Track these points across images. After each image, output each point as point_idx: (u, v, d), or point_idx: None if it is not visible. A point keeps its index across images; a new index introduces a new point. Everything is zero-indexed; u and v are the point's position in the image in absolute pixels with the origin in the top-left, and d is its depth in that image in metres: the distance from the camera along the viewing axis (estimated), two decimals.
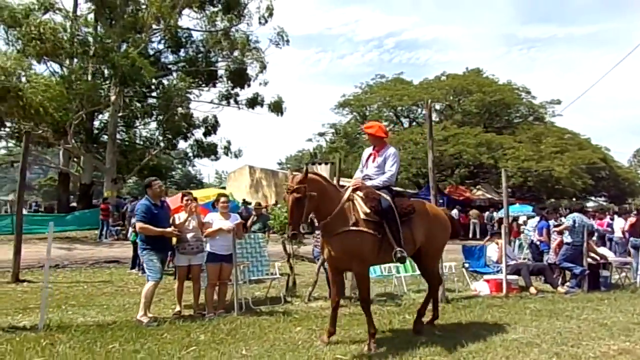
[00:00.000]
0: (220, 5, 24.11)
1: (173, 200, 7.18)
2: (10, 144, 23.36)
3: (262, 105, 25.63)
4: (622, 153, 78.21)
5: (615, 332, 5.21)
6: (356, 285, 7.07)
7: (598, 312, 6.22)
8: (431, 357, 4.33)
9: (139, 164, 22.90)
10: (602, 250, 9.03)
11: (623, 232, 11.60)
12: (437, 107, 29.31)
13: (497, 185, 25.85)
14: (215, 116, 25.63)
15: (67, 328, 5.08)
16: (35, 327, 5.07)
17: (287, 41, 24.84)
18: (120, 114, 22.38)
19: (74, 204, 24.59)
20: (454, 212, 24.04)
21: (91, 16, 21.94)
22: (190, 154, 27.19)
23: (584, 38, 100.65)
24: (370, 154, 5.18)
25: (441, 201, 24.17)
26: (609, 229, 12.72)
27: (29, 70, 16.69)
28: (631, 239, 10.13)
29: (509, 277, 7.61)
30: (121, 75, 17.91)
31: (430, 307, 5.55)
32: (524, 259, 10.87)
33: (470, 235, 22.69)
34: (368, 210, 4.61)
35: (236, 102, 25.87)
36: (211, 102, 25.81)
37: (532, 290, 7.59)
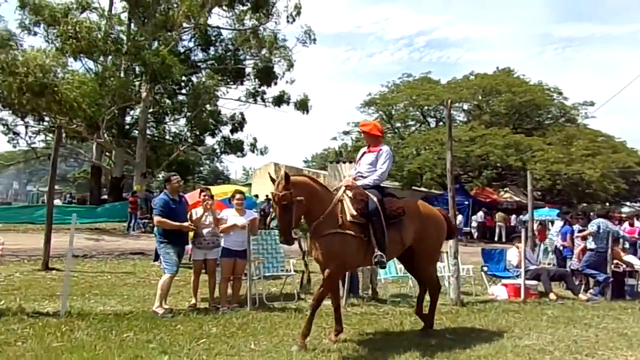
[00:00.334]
0: (249, 4, 24.40)
1: (191, 196, 7.35)
2: (48, 138, 24.36)
3: (288, 103, 25.85)
4: None
5: (635, 342, 5.04)
6: (364, 284, 7.14)
7: (619, 322, 6.02)
8: None
9: (168, 159, 23.47)
10: (629, 257, 8.70)
11: None
12: (465, 107, 28.79)
13: (526, 187, 25.06)
14: (242, 113, 26.02)
15: (86, 316, 5.29)
16: (58, 313, 5.30)
17: (314, 40, 24.97)
18: (150, 110, 23.02)
19: (105, 197, 25.45)
20: (479, 214, 23.68)
21: (125, 15, 22.61)
22: (218, 151, 27.66)
23: (622, 37, 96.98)
24: (364, 152, 5.16)
25: (466, 203, 23.86)
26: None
27: (66, 67, 17.36)
28: None
29: (528, 282, 7.45)
30: (152, 72, 18.40)
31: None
32: (548, 264, 10.62)
33: (496, 238, 22.29)
34: (355, 213, 4.56)
35: (263, 100, 26.17)
36: (238, 99, 26.21)
37: (552, 296, 7.41)
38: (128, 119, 25.08)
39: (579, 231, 8.57)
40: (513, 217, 23.44)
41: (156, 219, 5.96)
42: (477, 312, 6.49)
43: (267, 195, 22.34)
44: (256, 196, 18.58)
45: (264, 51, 24.88)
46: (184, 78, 23.00)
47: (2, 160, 23.82)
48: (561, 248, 9.44)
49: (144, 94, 20.78)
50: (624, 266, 8.00)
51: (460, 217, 23.75)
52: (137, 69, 19.99)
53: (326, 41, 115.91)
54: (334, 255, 4.53)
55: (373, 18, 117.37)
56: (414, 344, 4.84)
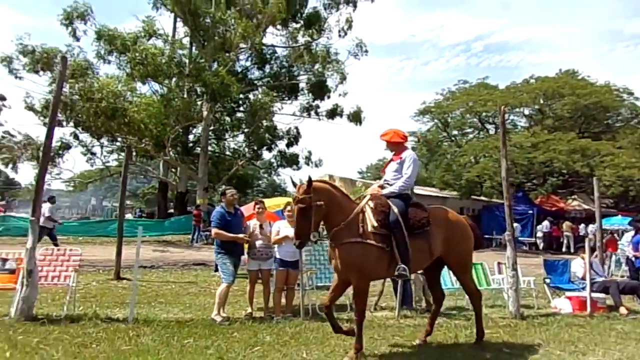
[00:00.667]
0: (301, 22, 25.13)
1: (247, 208, 7.67)
2: (120, 156, 26.26)
3: (341, 116, 26.13)
4: None
5: None
6: (417, 295, 7.03)
7: None
8: None
9: (228, 173, 24.44)
10: None
11: None
12: (526, 112, 27.56)
13: None
14: (297, 128, 26.62)
15: (152, 322, 5.67)
16: (126, 319, 5.73)
17: (366, 51, 25.16)
18: (211, 128, 24.18)
19: (172, 211, 26.93)
20: (545, 224, 22.45)
21: (186, 39, 24.06)
22: (274, 164, 28.42)
23: None
24: (390, 160, 5.09)
25: (530, 212, 22.76)
26: None
27: (135, 91, 18.75)
28: None
29: (595, 294, 7.00)
30: (212, 92, 19.39)
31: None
32: (621, 276, 9.91)
33: (564, 249, 21.01)
34: (375, 224, 4.52)
35: (317, 113, 26.66)
36: (293, 114, 26.87)
37: (622, 310, 6.90)
38: (191, 136, 26.45)
39: None
40: (582, 226, 21.99)
41: (213, 230, 6.30)
42: (537, 325, 6.21)
43: None
44: None
45: (317, 66, 25.41)
46: (241, 96, 24.01)
47: (82, 179, 25.92)
48: (633, 259, 8.76)
49: (205, 113, 21.90)
50: None
51: (517, 226, 22.74)
52: (198, 89, 21.14)
53: (380, 52, 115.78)
54: (354, 265, 4.49)
55: (428, 26, 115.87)
56: (468, 356, 4.75)
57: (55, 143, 20.93)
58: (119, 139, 21.26)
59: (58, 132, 21.95)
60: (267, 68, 27.27)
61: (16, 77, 20.21)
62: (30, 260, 5.54)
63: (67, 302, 6.00)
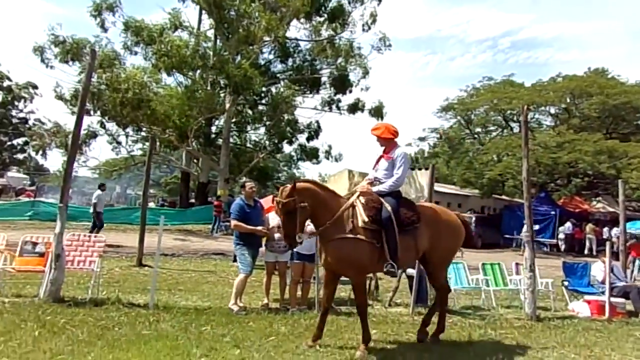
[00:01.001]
0: (325, 15, 25.07)
1: (266, 201, 7.79)
2: (145, 146, 26.83)
3: (362, 111, 26.07)
4: None
5: None
6: (431, 294, 7.03)
7: None
8: None
9: (249, 165, 24.73)
10: None
11: None
12: (552, 110, 26.94)
13: None
14: (317, 121, 26.66)
15: (171, 309, 5.86)
16: (147, 305, 5.94)
17: (389, 46, 24.98)
18: (233, 120, 24.46)
19: (193, 200, 27.41)
20: (567, 226, 22.03)
21: (211, 32, 24.31)
22: (295, 158, 28.57)
23: None
24: (380, 157, 5.05)
25: (553, 213, 22.32)
26: None
27: (160, 82, 19.10)
28: None
29: (614, 299, 6.90)
30: (235, 85, 19.61)
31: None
32: None
33: (586, 252, 20.60)
34: (366, 219, 4.53)
35: (338, 107, 26.64)
36: (314, 108, 26.93)
37: None
38: (213, 128, 26.78)
39: None
40: (605, 229, 21.48)
41: (232, 222, 6.45)
42: (553, 328, 6.17)
43: None
44: None
45: (339, 60, 25.36)
46: (263, 89, 24.16)
47: (107, 167, 26.59)
48: None
49: (227, 105, 22.17)
50: None
51: (536, 227, 22.35)
52: (221, 81, 21.38)
53: (405, 46, 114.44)
54: (347, 260, 4.53)
55: (454, 20, 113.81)
56: (481, 356, 4.77)
57: (82, 131, 21.49)
58: (144, 129, 21.74)
59: (85, 121, 22.56)
60: (290, 61, 27.31)
61: (47, 66, 20.86)
62: (58, 244, 5.78)
63: (92, 286, 6.24)
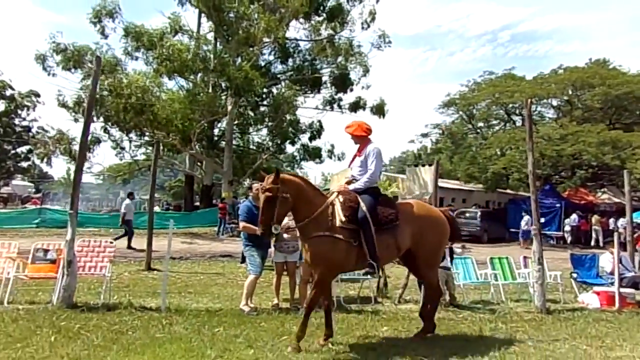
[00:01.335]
0: (324, 15, 25.11)
1: None
2: (148, 150, 26.94)
3: (364, 109, 26.13)
4: None
5: None
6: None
7: None
8: None
9: (252, 167, 24.78)
10: None
11: None
12: (554, 103, 26.88)
13: None
14: (319, 121, 26.71)
15: (183, 311, 5.91)
16: (159, 308, 5.98)
17: (389, 43, 25.02)
18: (235, 122, 24.50)
19: (197, 203, 27.49)
20: (573, 218, 21.99)
21: (211, 35, 24.38)
22: (297, 158, 28.61)
23: None
24: (355, 154, 5.05)
25: (558, 205, 22.27)
26: None
27: (161, 86, 19.17)
28: None
29: (624, 290, 6.90)
30: (236, 87, 19.66)
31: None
32: None
33: (592, 243, 20.56)
34: (343, 218, 4.54)
35: (339, 106, 26.71)
36: (316, 107, 27.03)
37: None
38: (216, 131, 26.87)
39: None
40: (611, 220, 21.43)
41: (241, 224, 6.49)
42: (563, 320, 6.18)
43: None
44: None
45: (339, 59, 25.41)
46: (264, 90, 24.22)
47: (111, 172, 26.69)
48: None
49: (229, 107, 22.22)
50: None
51: (542, 220, 22.32)
52: (223, 84, 21.44)
53: (404, 43, 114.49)
54: (322, 258, 4.54)
55: (453, 15, 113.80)
56: (492, 349, 4.78)
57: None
58: (147, 133, 21.82)
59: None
60: (290, 62, 27.39)
61: (49, 74, 20.97)
62: (69, 251, 5.83)
63: (104, 292, 6.29)
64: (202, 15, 24.16)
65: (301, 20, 24.33)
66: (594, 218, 21.60)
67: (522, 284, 8.01)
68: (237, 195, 27.62)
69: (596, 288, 7.34)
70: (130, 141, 23.73)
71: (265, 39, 22.19)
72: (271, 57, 27.15)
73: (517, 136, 23.65)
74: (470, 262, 7.72)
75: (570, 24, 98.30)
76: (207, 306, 6.45)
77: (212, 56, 22.01)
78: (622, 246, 8.47)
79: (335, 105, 26.85)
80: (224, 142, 24.88)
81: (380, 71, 75.70)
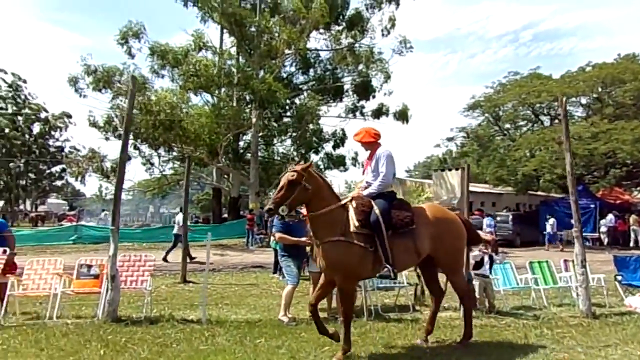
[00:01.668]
0: (343, 24, 25.28)
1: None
2: (175, 165, 27.53)
3: (387, 115, 26.10)
4: None
5: None
6: (480, 297, 6.91)
7: None
8: None
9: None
10: None
11: None
12: (583, 101, 26.16)
13: None
14: (342, 129, 26.79)
15: (223, 323, 5.96)
16: (200, 320, 6.06)
17: (411, 48, 24.96)
18: (260, 134, 24.80)
19: (225, 215, 27.82)
20: (609, 218, 21.28)
21: (233, 49, 24.84)
22: (322, 166, 28.69)
23: None
24: (367, 161, 5.07)
25: (592, 206, 21.58)
26: None
27: (188, 102, 19.60)
28: None
29: None
30: (260, 99, 19.95)
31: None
32: None
33: (631, 244, 19.81)
34: (357, 223, 4.52)
35: (362, 114, 26.77)
36: (338, 116, 27.15)
37: None
38: (241, 143, 27.26)
39: None
40: None
41: (277, 235, 6.54)
42: (612, 325, 5.97)
43: None
44: None
45: (360, 66, 25.51)
46: (287, 101, 24.48)
47: (141, 188, 27.34)
48: None
49: (254, 120, 22.52)
50: None
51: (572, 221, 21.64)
52: (247, 97, 21.77)
53: (424, 47, 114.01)
54: (336, 264, 4.49)
55: (473, 17, 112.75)
56: (540, 356, 4.67)
57: (117, 155, 22.24)
58: (175, 148, 22.32)
59: (119, 145, 23.30)
60: (312, 72, 27.66)
61: (81, 95, 21.74)
62: (112, 266, 5.98)
63: (145, 305, 6.41)
64: (224, 31, 24.68)
65: (321, 30, 24.54)
66: (632, 218, 20.80)
67: (563, 288, 7.78)
68: (264, 206, 27.82)
69: None
70: (159, 157, 24.30)
71: (287, 51, 22.48)
72: (292, 69, 27.50)
73: (546, 136, 23.09)
74: (509, 267, 7.55)
75: (594, 20, 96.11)
76: (245, 317, 6.49)
77: (235, 70, 22.43)
78: None
79: (357, 113, 26.92)
80: (249, 154, 25.20)
81: (401, 77, 75.50)
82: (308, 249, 6.66)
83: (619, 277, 7.60)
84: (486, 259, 6.83)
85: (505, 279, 7.41)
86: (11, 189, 40.30)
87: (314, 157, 27.89)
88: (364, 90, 25.86)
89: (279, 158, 28.81)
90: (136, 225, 30.71)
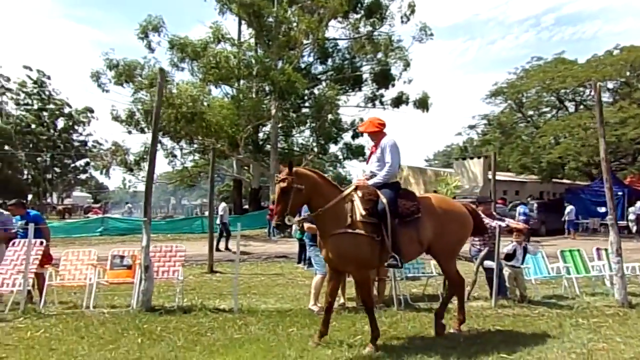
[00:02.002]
0: (362, 12, 24.98)
1: None
2: (196, 157, 27.81)
3: (407, 104, 25.82)
4: None
5: None
6: (511, 287, 6.81)
7: None
8: None
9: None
10: None
11: None
12: (610, 85, 25.37)
13: None
14: (361, 119, 26.55)
15: (254, 312, 6.03)
16: (231, 310, 6.14)
17: (431, 35, 24.57)
18: (279, 125, 24.84)
19: (246, 207, 28.06)
20: (638, 205, 20.71)
21: (252, 40, 24.84)
22: (341, 157, 28.63)
23: None
24: (372, 151, 5.03)
25: (620, 193, 21.03)
26: None
27: (209, 95, 19.69)
28: None
29: None
30: (279, 90, 19.91)
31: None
32: None
33: None
34: (364, 212, 4.48)
35: (381, 103, 26.52)
36: (357, 105, 26.92)
37: None
38: (260, 135, 27.35)
39: None
40: None
41: (306, 226, 6.54)
42: None
43: None
44: None
45: (379, 55, 25.23)
46: (306, 92, 24.39)
47: (163, 180, 27.75)
48: None
49: (273, 111, 22.55)
50: None
51: (602, 209, 21.06)
52: (266, 88, 21.77)
53: (443, 34, 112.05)
54: (346, 256, 4.48)
55: (492, 3, 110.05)
56: (578, 346, 4.60)
57: (140, 148, 22.60)
58: (196, 141, 22.53)
59: (142, 138, 23.73)
60: (330, 61, 27.48)
61: (103, 90, 22.07)
62: (146, 256, 6.09)
63: (177, 295, 6.52)
64: (242, 22, 24.66)
65: (339, 19, 24.32)
66: None
67: (595, 277, 7.63)
68: None
69: None
70: (180, 149, 24.57)
71: (305, 41, 22.35)
72: (311, 59, 27.36)
73: (572, 123, 22.54)
74: (540, 256, 7.43)
75: (619, 2, 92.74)
76: (275, 307, 6.55)
77: (254, 61, 22.42)
78: None
79: (377, 102, 26.68)
80: (269, 146, 25.27)
81: (420, 64, 74.54)
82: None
83: None
84: (519, 250, 6.71)
85: (536, 268, 7.30)
86: (39, 183, 41.41)
87: (332, 148, 27.89)
88: (384, 78, 25.59)
89: (298, 149, 28.84)
90: (159, 216, 31.25)
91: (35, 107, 41.00)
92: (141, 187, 26.65)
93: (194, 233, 20.20)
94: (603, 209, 22.39)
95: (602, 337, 4.89)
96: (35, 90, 40.91)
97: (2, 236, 6.75)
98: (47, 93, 41.56)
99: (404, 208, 4.62)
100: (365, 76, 26.61)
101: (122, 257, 6.64)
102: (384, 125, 4.99)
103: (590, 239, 17.02)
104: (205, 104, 18.47)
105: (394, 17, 24.71)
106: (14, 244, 6.57)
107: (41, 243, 6.55)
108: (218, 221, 14.80)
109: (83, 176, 46.29)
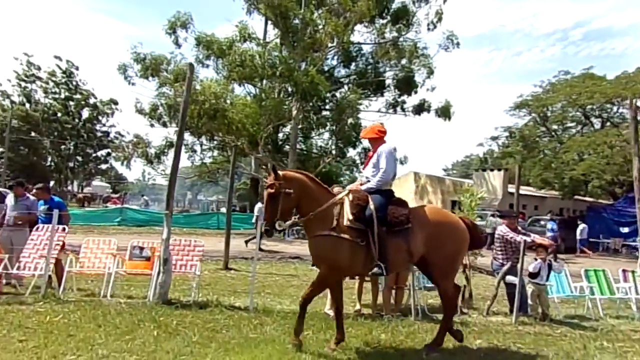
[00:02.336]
0: (389, 17, 24.87)
1: None
2: (215, 154, 28.02)
3: (428, 111, 25.61)
4: None
5: None
6: (534, 303, 6.62)
7: None
8: None
9: (314, 171, 24.97)
10: None
11: None
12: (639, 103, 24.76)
13: None
14: (382, 124, 26.35)
15: (270, 312, 5.99)
16: (247, 308, 6.10)
17: (458, 44, 24.32)
18: (299, 126, 24.84)
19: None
20: None
21: (277, 41, 24.93)
22: (358, 161, 28.48)
23: None
24: (369, 156, 4.99)
25: None
26: None
27: (232, 93, 19.81)
28: None
29: None
30: (302, 91, 19.91)
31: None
32: None
33: None
34: (351, 217, 4.42)
35: (403, 109, 26.33)
36: (378, 110, 26.79)
37: None
38: (280, 135, 27.40)
39: None
40: None
41: None
42: None
43: None
44: None
45: (403, 61, 25.06)
46: (327, 94, 24.35)
47: (182, 175, 27.97)
48: None
49: (294, 112, 22.57)
50: None
51: (626, 229, 20.50)
52: (289, 89, 21.80)
53: (468, 43, 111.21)
54: (324, 257, 4.48)
55: (520, 14, 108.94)
56: None
57: (161, 142, 22.86)
58: (216, 138, 22.68)
59: (163, 132, 24.00)
60: (353, 65, 27.39)
61: (129, 83, 22.40)
62: (165, 249, 6.11)
63: (194, 289, 6.52)
64: (269, 22, 24.76)
65: (365, 23, 24.24)
66: None
67: (621, 300, 7.39)
68: None
69: None
70: (200, 145, 24.77)
71: (330, 44, 22.33)
72: (334, 62, 27.31)
73: (597, 140, 22.06)
74: (563, 274, 7.22)
75: None
76: (290, 308, 6.47)
77: (278, 62, 22.48)
78: None
79: (398, 108, 26.49)
80: (288, 146, 25.28)
81: (443, 73, 74.04)
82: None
83: None
84: (544, 267, 6.53)
85: (559, 286, 7.10)
86: (61, 170, 42.25)
87: (351, 152, 27.76)
88: (406, 85, 25.39)
89: (316, 151, 28.81)
90: (176, 210, 31.55)
91: (63, 96, 41.89)
92: (160, 180, 26.97)
93: (210, 229, 20.30)
94: (626, 229, 21.82)
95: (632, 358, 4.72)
96: (63, 80, 41.81)
97: (26, 219, 6.86)
98: (74, 83, 42.44)
99: (392, 217, 4.52)
100: (388, 82, 26.46)
101: (141, 249, 6.67)
102: (384, 133, 4.99)
103: (609, 259, 16.58)
104: (228, 101, 18.56)
105: (420, 24, 24.57)
106: (37, 228, 6.66)
107: (63, 229, 6.62)
108: (253, 220, 14.96)
109: (104, 166, 47.06)
